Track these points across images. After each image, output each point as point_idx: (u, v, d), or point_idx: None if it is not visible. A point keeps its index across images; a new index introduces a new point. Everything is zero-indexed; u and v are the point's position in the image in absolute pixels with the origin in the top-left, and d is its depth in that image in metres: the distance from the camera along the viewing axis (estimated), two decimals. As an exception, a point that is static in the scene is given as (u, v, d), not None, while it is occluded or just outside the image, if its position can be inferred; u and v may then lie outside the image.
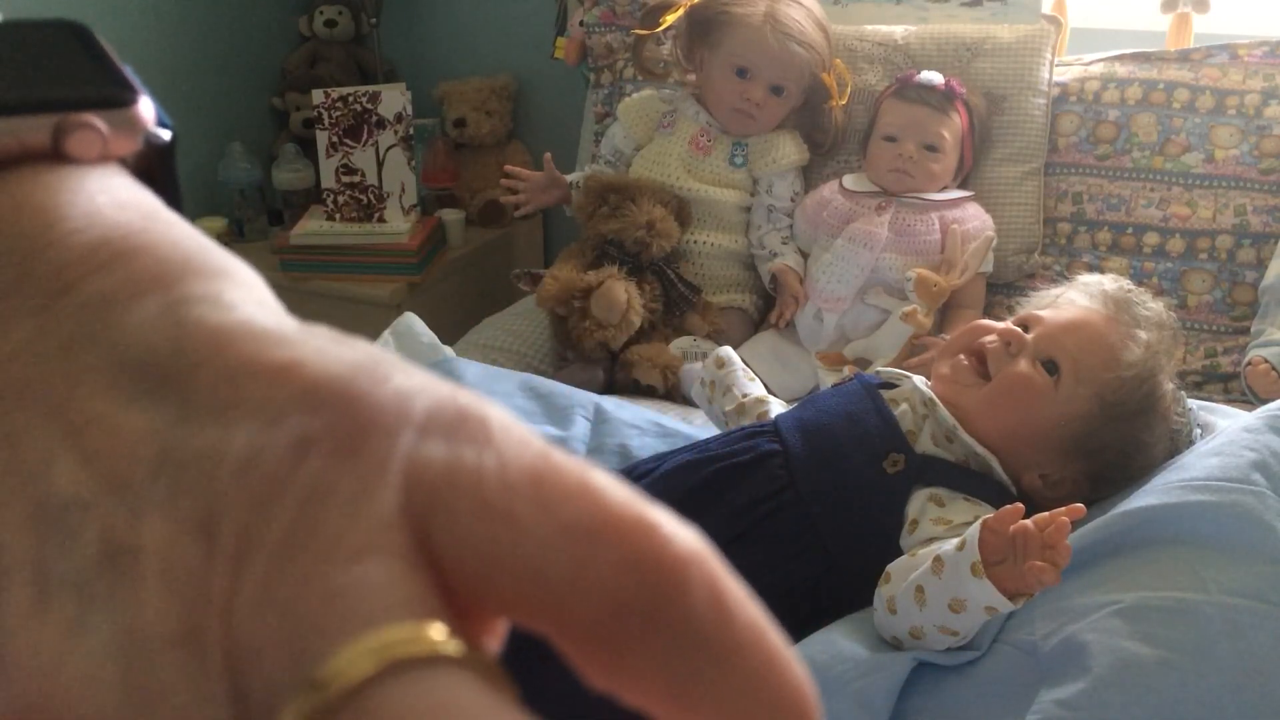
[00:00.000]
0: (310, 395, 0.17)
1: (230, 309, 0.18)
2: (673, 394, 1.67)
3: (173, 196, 0.23)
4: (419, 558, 0.16)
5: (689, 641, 0.16)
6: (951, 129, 1.77)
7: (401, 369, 0.18)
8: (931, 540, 1.01)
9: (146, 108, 0.23)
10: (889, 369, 1.25)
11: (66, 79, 0.22)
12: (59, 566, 0.16)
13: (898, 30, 1.95)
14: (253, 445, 0.16)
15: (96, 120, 0.21)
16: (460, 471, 0.16)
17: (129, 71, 0.23)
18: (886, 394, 1.15)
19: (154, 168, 0.23)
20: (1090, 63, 1.92)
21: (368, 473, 0.16)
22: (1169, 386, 1.15)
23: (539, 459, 0.16)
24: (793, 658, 0.17)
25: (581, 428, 1.38)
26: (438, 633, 0.15)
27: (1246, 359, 1.62)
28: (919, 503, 1.06)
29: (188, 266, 0.19)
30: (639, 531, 0.16)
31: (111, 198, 0.20)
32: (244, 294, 0.19)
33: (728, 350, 1.33)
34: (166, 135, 0.24)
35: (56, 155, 0.21)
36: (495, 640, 0.17)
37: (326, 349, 0.18)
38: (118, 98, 0.22)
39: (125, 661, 0.15)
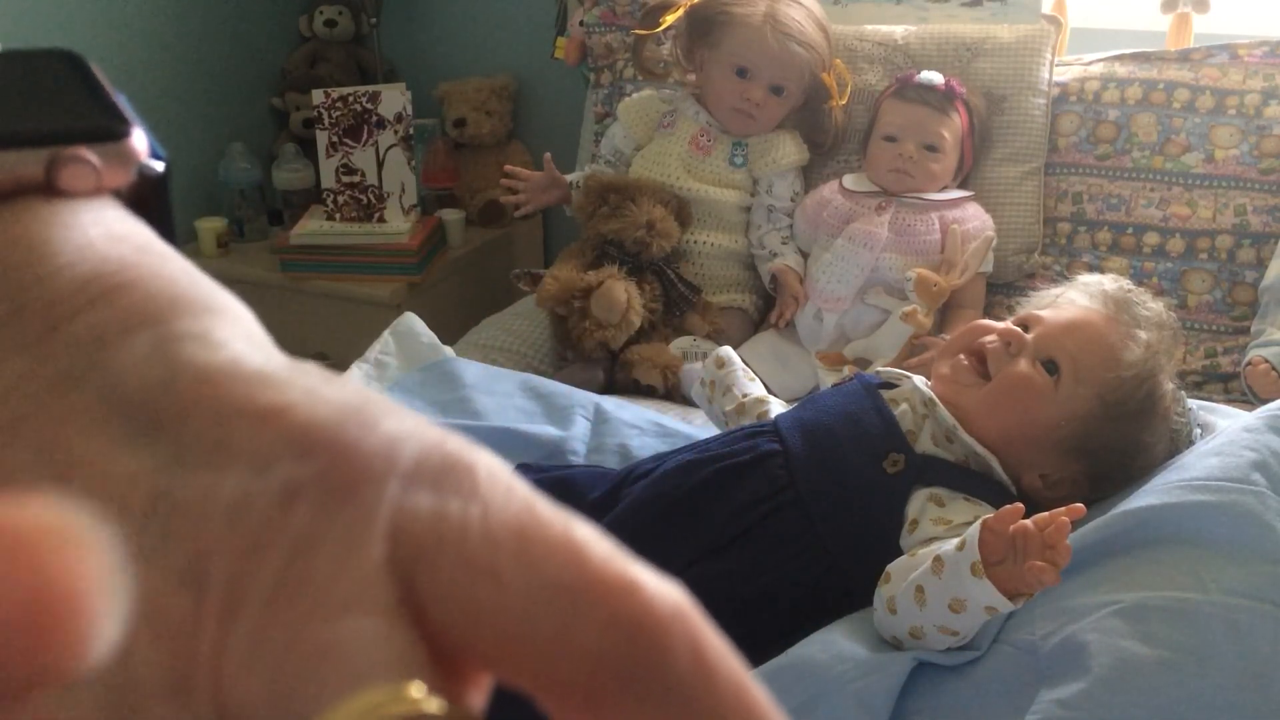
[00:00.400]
0: (299, 441, 0.17)
1: (219, 348, 0.18)
2: (673, 394, 1.67)
3: (165, 227, 0.23)
4: (405, 611, 0.16)
5: (671, 700, 0.16)
6: (951, 129, 1.77)
7: (390, 411, 0.18)
8: (931, 540, 1.01)
9: (140, 140, 0.23)
10: (889, 369, 1.25)
11: (60, 111, 0.22)
12: None
13: (898, 30, 1.95)
14: (242, 492, 0.16)
15: (90, 154, 0.21)
16: (445, 524, 0.16)
17: (123, 102, 0.23)
18: (886, 394, 1.15)
19: (147, 198, 0.24)
20: (1090, 63, 1.92)
21: (355, 523, 0.16)
22: (1169, 386, 1.15)
23: (524, 512, 0.17)
24: (774, 712, 0.17)
25: (581, 428, 1.38)
26: (422, 691, 0.15)
27: (1246, 359, 1.62)
28: (919, 503, 1.06)
29: (177, 303, 0.19)
30: (621, 591, 0.16)
31: (104, 230, 0.21)
32: (233, 330, 0.19)
33: (728, 350, 1.33)
34: (159, 167, 0.24)
35: (50, 189, 0.21)
36: (480, 694, 0.18)
37: (316, 390, 0.18)
38: (111, 130, 0.22)
39: (117, 711, 0.15)
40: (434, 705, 0.15)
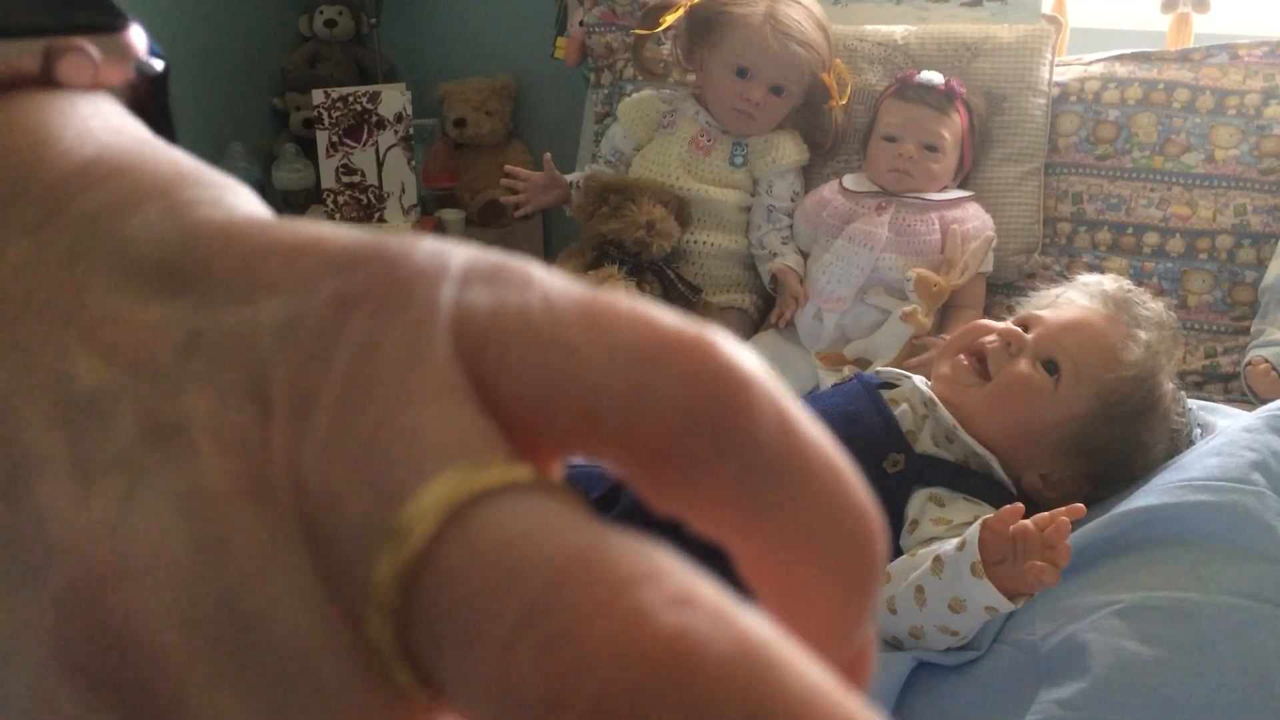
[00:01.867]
0: (339, 260, 0.17)
1: (233, 209, 0.18)
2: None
3: (166, 129, 0.22)
4: (478, 399, 0.16)
5: (757, 460, 0.16)
6: (951, 129, 1.77)
7: (427, 236, 0.17)
8: (931, 540, 1.01)
9: (138, 35, 0.23)
10: (889, 369, 1.25)
11: (56, 4, 0.22)
12: (97, 453, 0.16)
13: (898, 30, 1.95)
14: (289, 312, 0.16)
15: (88, 44, 0.21)
16: (508, 312, 0.16)
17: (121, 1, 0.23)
18: (886, 394, 1.15)
19: (145, 100, 0.23)
20: (1090, 63, 1.92)
21: (415, 323, 0.16)
22: (1169, 386, 1.15)
23: (585, 293, 0.16)
24: (858, 478, 0.17)
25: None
26: (511, 462, 0.15)
27: (1246, 359, 1.62)
28: (919, 503, 1.06)
29: (184, 178, 0.19)
30: (700, 348, 0.16)
31: (103, 121, 0.20)
32: (243, 200, 0.19)
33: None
34: (159, 65, 0.23)
35: (47, 80, 0.21)
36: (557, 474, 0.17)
37: (342, 229, 0.18)
38: (108, 23, 0.22)
39: (191, 516, 0.15)
40: (524, 473, 0.15)
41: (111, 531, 0.15)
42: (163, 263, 0.17)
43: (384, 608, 0.14)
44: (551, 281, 0.16)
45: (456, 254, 0.17)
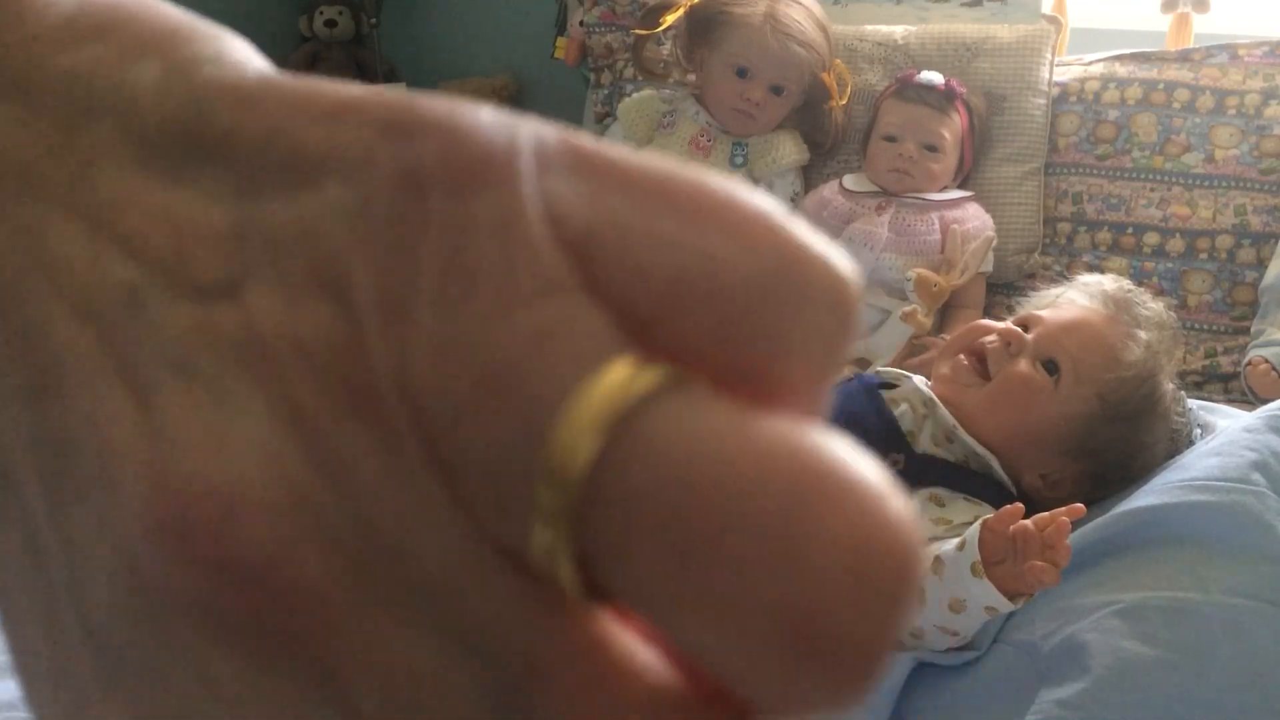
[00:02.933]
0: (394, 127, 0.14)
1: (240, 66, 0.16)
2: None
3: None
4: (592, 293, 0.14)
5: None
6: (951, 129, 1.77)
7: (467, 102, 0.15)
8: (932, 540, 1.01)
9: None
10: (889, 369, 1.25)
11: None
12: (146, 357, 0.14)
13: (898, 30, 1.95)
14: (351, 193, 0.14)
15: None
16: (610, 206, 0.14)
17: None
18: (886, 394, 1.15)
19: None
20: (1090, 63, 1.92)
21: (504, 205, 0.14)
22: (1169, 386, 1.15)
23: (692, 183, 0.14)
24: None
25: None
26: (653, 363, 0.13)
27: (1246, 359, 1.63)
28: (919, 503, 1.06)
29: (179, 32, 0.16)
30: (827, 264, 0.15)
31: None
32: (246, 54, 0.16)
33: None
34: None
35: None
36: None
37: (368, 89, 0.15)
38: None
39: (299, 435, 0.14)
40: (672, 372, 0.13)
41: (213, 448, 0.14)
42: (176, 133, 0.15)
43: (554, 530, 0.13)
44: (647, 165, 0.15)
45: (522, 124, 0.15)
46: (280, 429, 0.14)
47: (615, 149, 0.15)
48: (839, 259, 0.15)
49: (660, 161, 0.15)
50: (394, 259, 0.14)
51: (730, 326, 0.14)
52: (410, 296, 0.13)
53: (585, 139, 0.15)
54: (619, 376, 0.13)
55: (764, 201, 0.14)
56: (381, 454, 0.14)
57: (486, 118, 0.14)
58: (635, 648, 0.14)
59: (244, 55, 0.16)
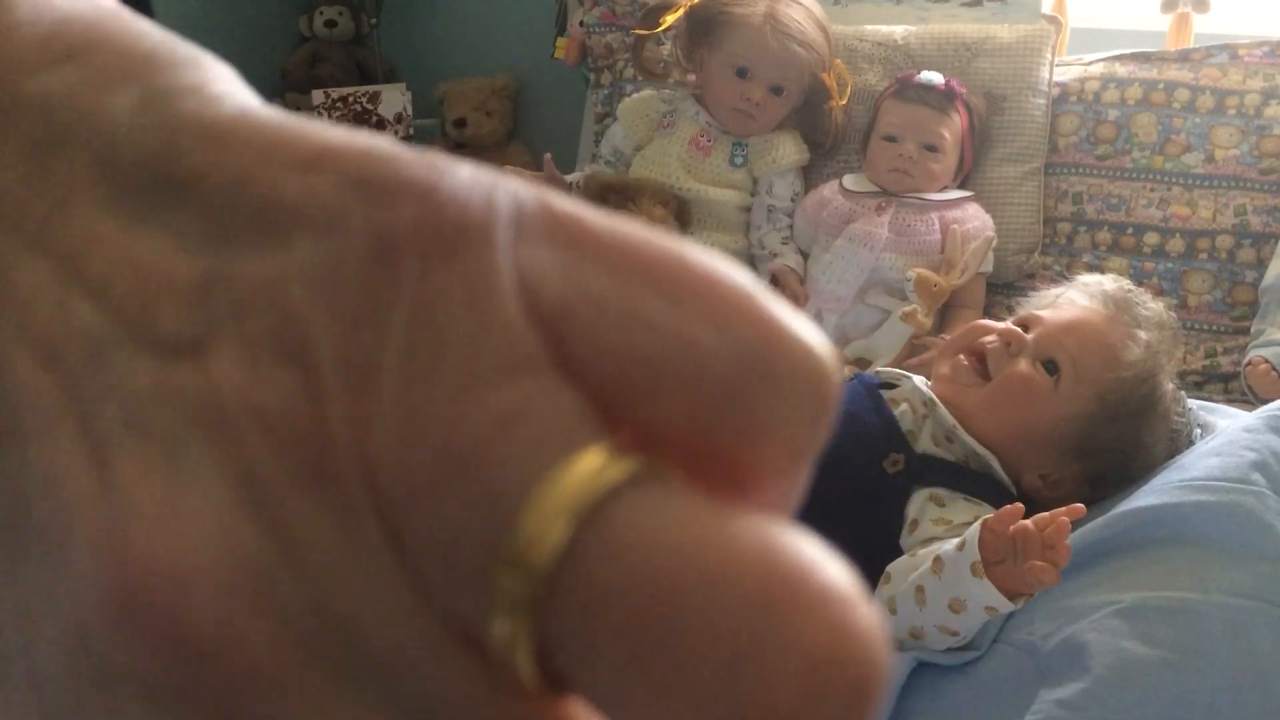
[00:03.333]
0: (369, 187, 0.14)
1: (220, 100, 0.15)
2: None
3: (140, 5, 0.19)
4: (563, 372, 0.13)
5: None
6: (951, 129, 1.77)
7: (456, 160, 0.15)
8: (931, 540, 1.01)
9: None
10: (889, 369, 1.25)
11: None
12: (105, 411, 0.14)
13: (898, 30, 1.95)
14: (321, 256, 0.14)
15: None
16: (587, 279, 0.14)
17: None
18: (886, 394, 1.15)
19: None
20: (1090, 63, 1.92)
21: (477, 276, 0.13)
22: (1169, 386, 1.15)
23: (672, 255, 0.14)
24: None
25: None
26: (625, 450, 0.13)
27: (1246, 359, 1.62)
28: (919, 503, 1.06)
29: (157, 57, 0.16)
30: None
31: None
32: (226, 83, 0.16)
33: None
34: None
35: None
36: None
37: (346, 134, 0.15)
38: None
39: (253, 505, 0.13)
40: (640, 462, 0.13)
41: (167, 518, 0.13)
42: (149, 170, 0.15)
43: (514, 619, 0.13)
44: (626, 236, 0.14)
45: (499, 187, 0.14)
46: (236, 499, 0.13)
47: (593, 215, 0.15)
48: (817, 341, 0.14)
49: (639, 231, 0.15)
50: (360, 328, 0.13)
51: (706, 412, 0.13)
52: (375, 368, 0.13)
53: (563, 203, 0.15)
54: (589, 466, 0.13)
55: (743, 279, 0.14)
56: (338, 530, 0.13)
57: (465, 179, 0.14)
58: None
59: (224, 86, 0.16)
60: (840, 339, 1.77)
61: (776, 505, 0.14)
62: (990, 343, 1.15)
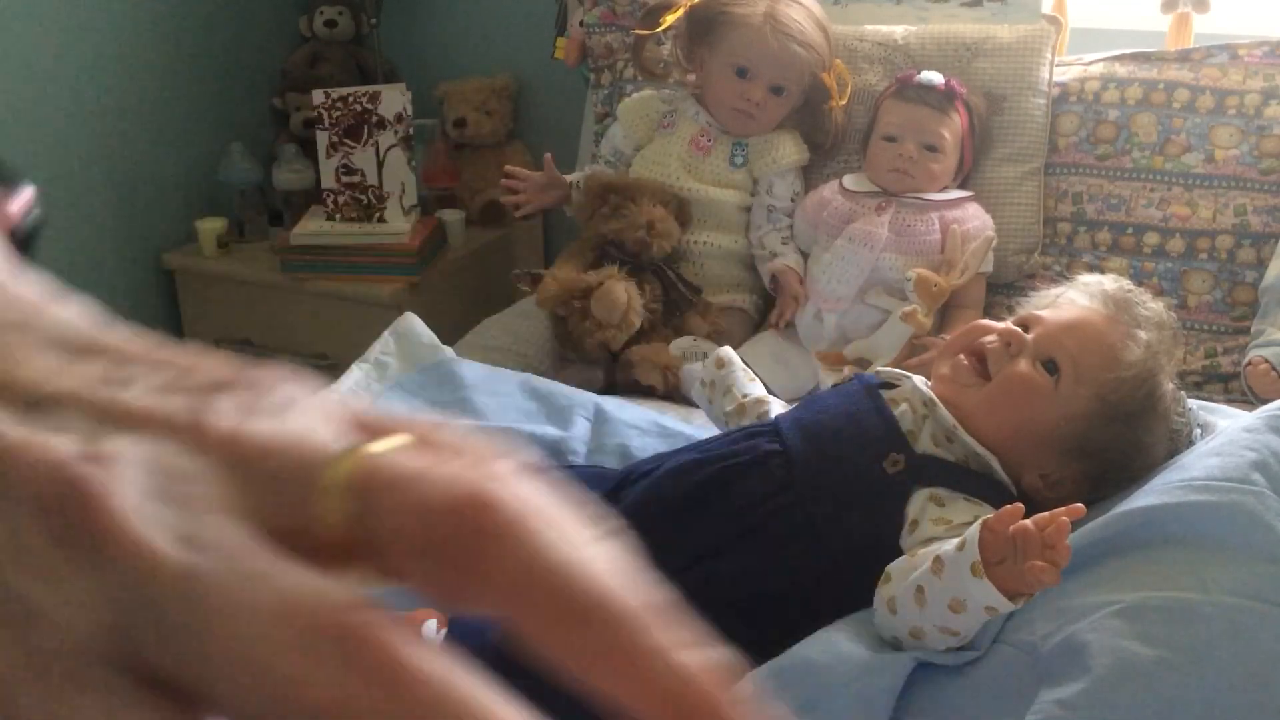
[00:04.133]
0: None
1: None
2: (673, 394, 1.67)
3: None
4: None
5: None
6: (951, 129, 1.77)
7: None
8: (932, 540, 1.01)
9: (22, 198, 0.25)
10: (889, 369, 1.25)
11: None
12: None
13: (898, 30, 1.95)
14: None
15: None
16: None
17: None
18: (886, 394, 1.15)
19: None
20: (1090, 63, 1.92)
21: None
22: (1169, 386, 1.15)
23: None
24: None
25: (582, 428, 1.39)
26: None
27: (1246, 359, 1.62)
28: (919, 503, 1.06)
29: None
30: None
31: None
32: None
33: (728, 351, 1.33)
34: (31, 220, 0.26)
35: None
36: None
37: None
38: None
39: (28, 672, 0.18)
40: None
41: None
42: None
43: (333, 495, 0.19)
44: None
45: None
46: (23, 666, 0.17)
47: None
48: None
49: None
50: None
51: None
52: None
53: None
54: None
55: None
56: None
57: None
58: None
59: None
60: (840, 339, 1.77)
61: None
62: (990, 343, 1.15)
